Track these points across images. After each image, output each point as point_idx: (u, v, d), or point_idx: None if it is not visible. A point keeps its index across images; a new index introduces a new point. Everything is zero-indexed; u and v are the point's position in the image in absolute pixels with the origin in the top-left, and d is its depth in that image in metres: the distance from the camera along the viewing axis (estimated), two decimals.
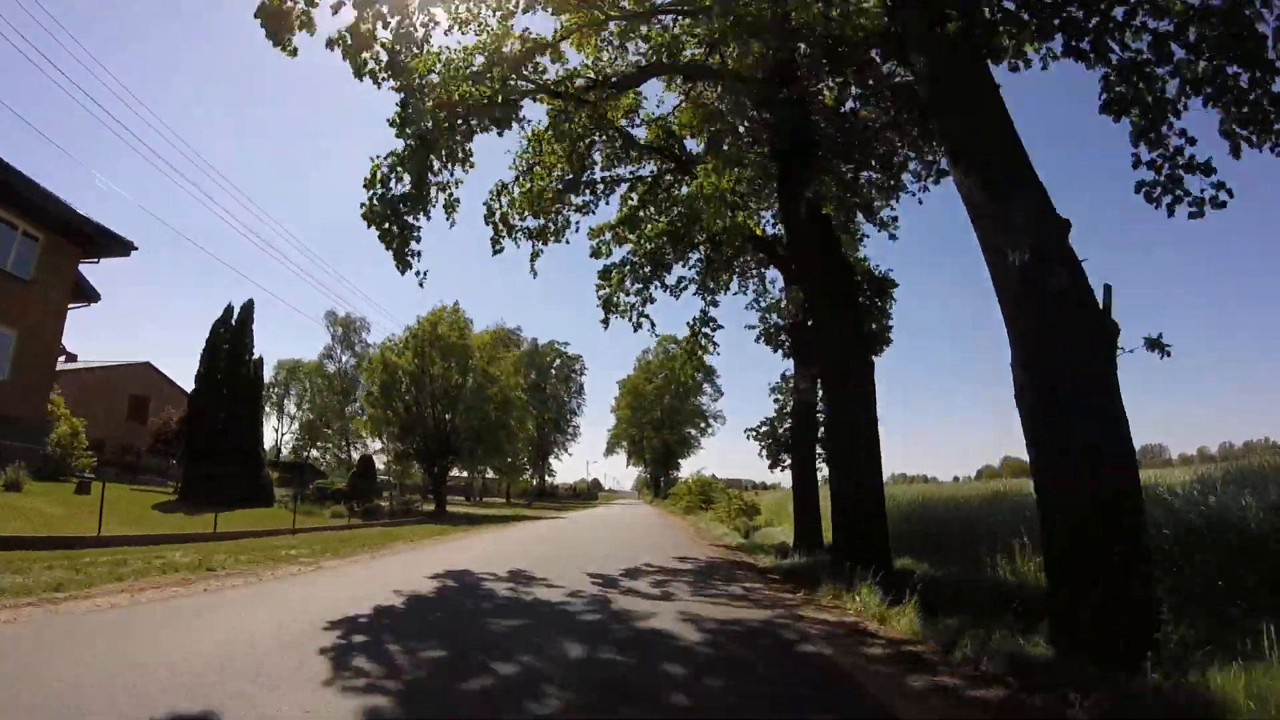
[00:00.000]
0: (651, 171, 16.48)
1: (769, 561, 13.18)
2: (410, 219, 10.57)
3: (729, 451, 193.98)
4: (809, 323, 15.19)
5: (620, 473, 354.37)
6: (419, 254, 10.63)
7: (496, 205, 13.70)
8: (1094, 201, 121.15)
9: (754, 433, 18.18)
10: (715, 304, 18.92)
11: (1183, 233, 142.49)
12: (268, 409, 71.11)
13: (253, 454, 28.92)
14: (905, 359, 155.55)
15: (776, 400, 18.20)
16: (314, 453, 70.50)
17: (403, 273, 10.53)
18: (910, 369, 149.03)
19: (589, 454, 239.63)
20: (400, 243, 10.43)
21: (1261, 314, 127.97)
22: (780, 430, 17.77)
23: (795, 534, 15.67)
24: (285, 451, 69.80)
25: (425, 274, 10.79)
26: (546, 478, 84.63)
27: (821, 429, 15.68)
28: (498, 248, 13.66)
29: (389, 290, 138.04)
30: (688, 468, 74.41)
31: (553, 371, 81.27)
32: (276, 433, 71.97)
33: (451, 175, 11.22)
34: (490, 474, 74.79)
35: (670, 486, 66.24)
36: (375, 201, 10.40)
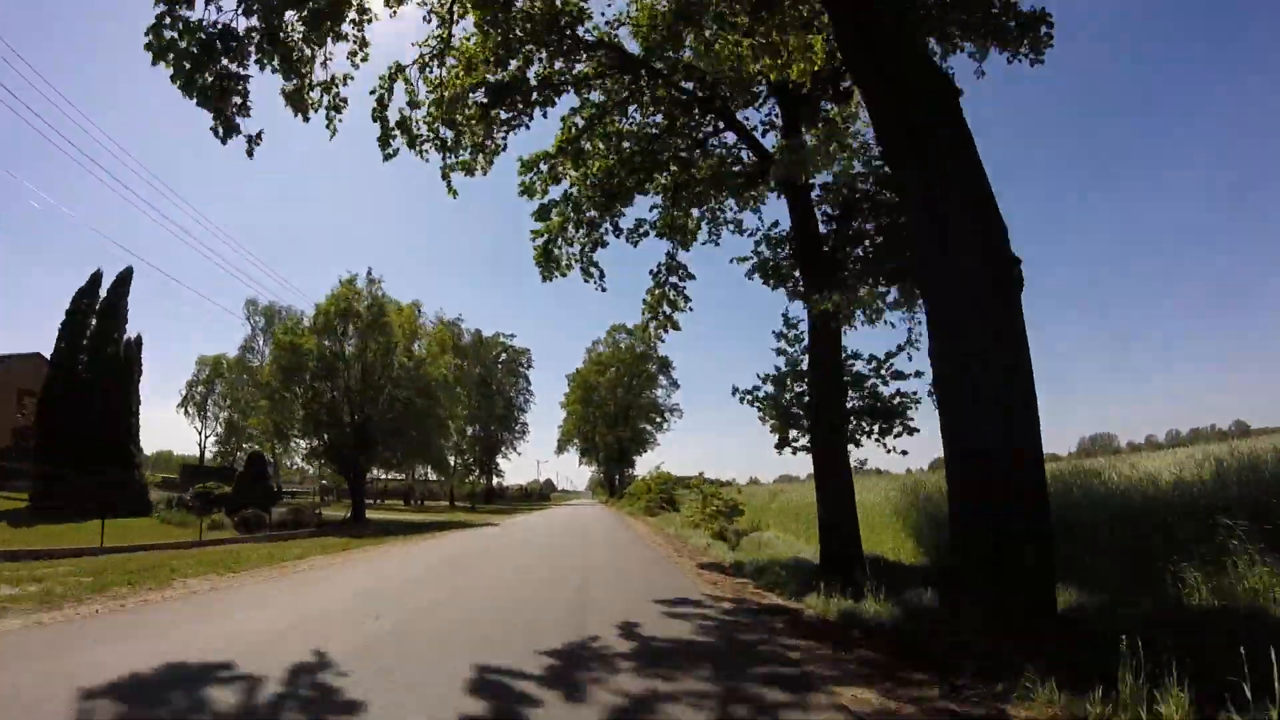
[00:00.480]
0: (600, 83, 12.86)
1: (816, 607, 7.88)
2: (234, 65, 6.77)
3: (689, 448, 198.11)
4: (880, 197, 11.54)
5: (574, 472, 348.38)
6: (248, 108, 6.82)
7: (387, 96, 9.82)
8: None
9: (749, 396, 13.02)
10: (686, 246, 15.54)
11: (1121, 231, 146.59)
12: (189, 410, 64.59)
13: (123, 454, 24.11)
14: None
15: (783, 354, 13.29)
16: (242, 456, 64.26)
17: (225, 141, 6.75)
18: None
19: (540, 453, 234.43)
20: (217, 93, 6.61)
21: (1199, 310, 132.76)
22: (787, 396, 12.73)
23: (823, 548, 11.57)
24: (210, 456, 63.55)
25: (259, 137, 6.97)
26: (494, 478, 79.94)
27: (838, 397, 11.78)
28: (388, 151, 9.82)
29: (322, 285, 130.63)
30: (643, 465, 71.07)
31: (499, 365, 76.72)
32: (199, 434, 65.39)
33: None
34: (433, 475, 70.49)
35: (626, 485, 62.69)
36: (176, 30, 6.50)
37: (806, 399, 12.59)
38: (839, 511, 11.30)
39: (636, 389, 70.16)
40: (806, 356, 12.62)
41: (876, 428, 12.24)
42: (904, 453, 11.96)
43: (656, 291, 15.59)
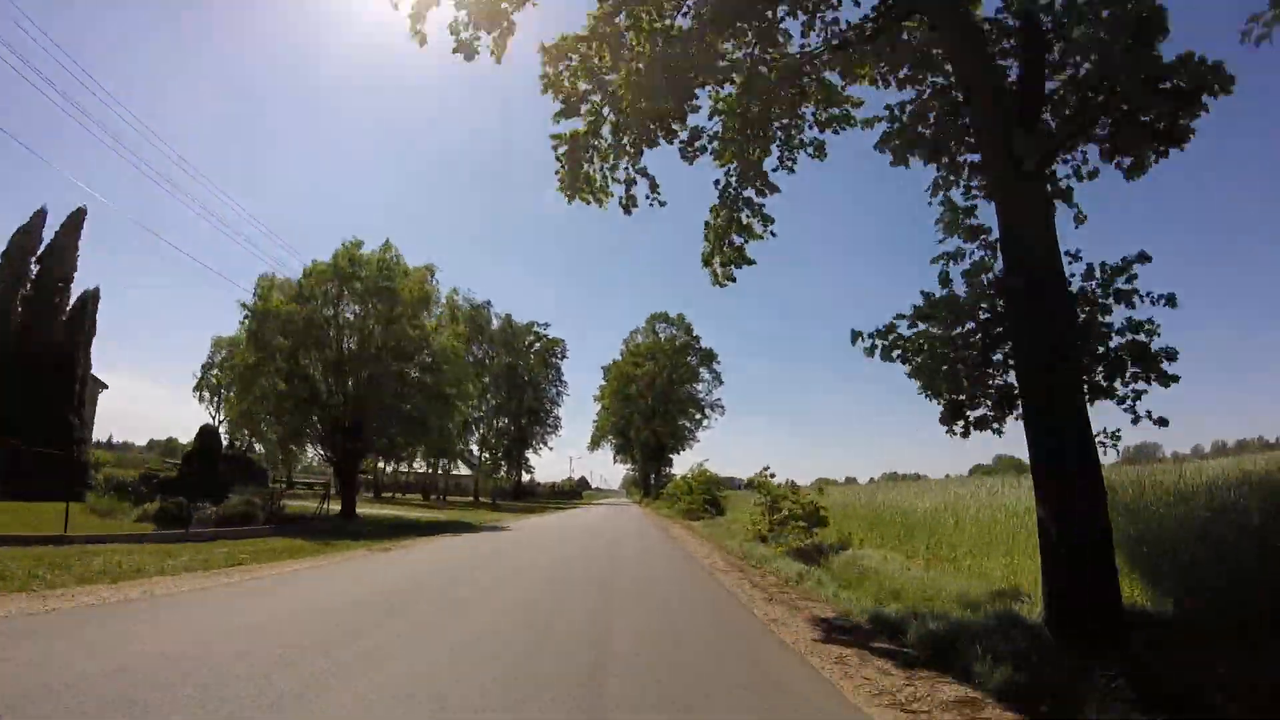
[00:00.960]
0: None
1: None
2: None
3: (732, 446, 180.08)
4: None
5: (608, 470, 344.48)
6: None
7: None
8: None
9: (883, 342, 7.83)
10: (761, 156, 10.35)
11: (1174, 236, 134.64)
12: (204, 393, 61.88)
13: (62, 425, 20.04)
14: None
15: (949, 268, 7.64)
16: (259, 445, 61.38)
17: None
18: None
19: (574, 450, 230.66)
20: None
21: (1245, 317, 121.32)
22: (964, 329, 7.48)
23: (1050, 588, 6.22)
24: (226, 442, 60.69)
25: None
26: (524, 474, 75.66)
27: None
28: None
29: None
30: (681, 464, 65.84)
31: (531, 355, 72.42)
32: (213, 420, 62.64)
33: None
34: (461, 468, 66.68)
35: (663, 485, 57.54)
36: None
37: (995, 333, 7.30)
38: (1084, 522, 5.94)
39: (677, 382, 64.91)
40: (999, 261, 7.31)
41: (1128, 376, 6.89)
42: (1162, 421, 5.53)
43: (723, 213, 10.51)
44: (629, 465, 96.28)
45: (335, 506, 23.58)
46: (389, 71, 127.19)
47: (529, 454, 75.13)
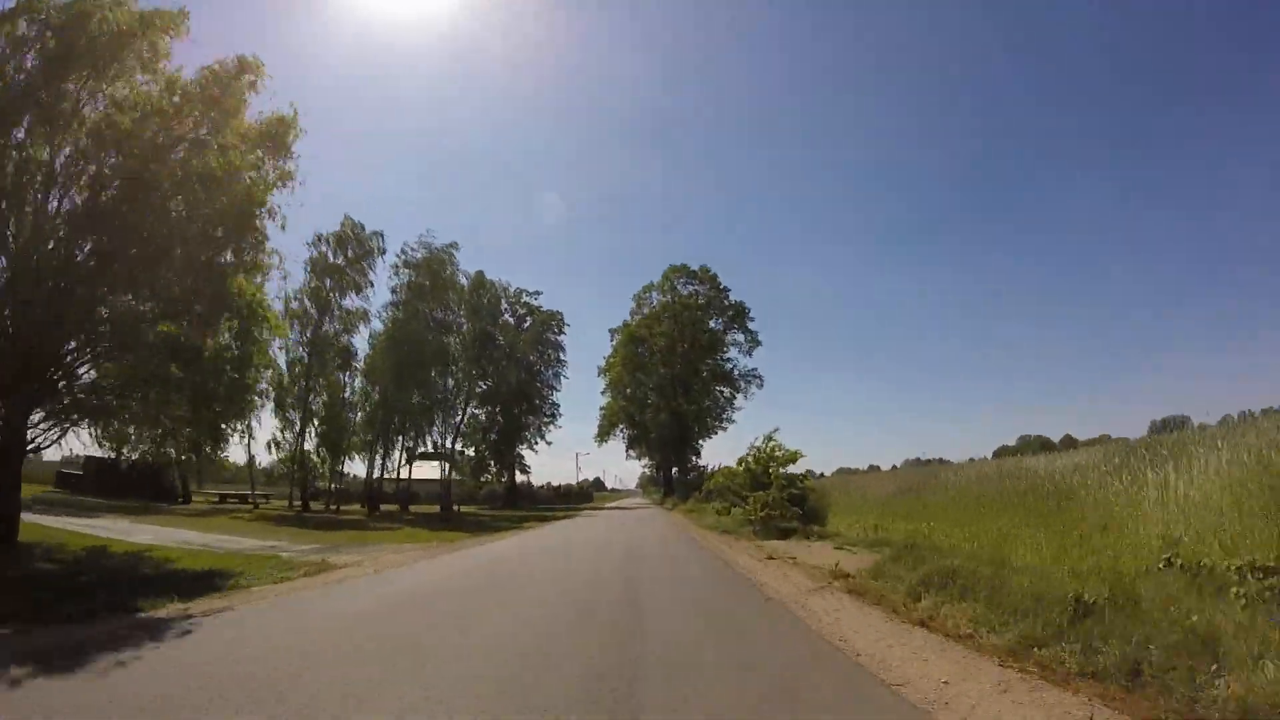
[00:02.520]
0: None
1: None
2: None
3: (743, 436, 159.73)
4: None
5: (623, 467, 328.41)
6: None
7: None
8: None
9: None
10: None
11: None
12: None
13: None
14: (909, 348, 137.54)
15: None
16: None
17: None
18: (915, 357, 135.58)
19: (581, 446, 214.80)
20: None
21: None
22: None
23: None
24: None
25: None
26: (518, 474, 61.85)
27: None
28: None
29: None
30: (711, 454, 51.93)
31: (523, 330, 58.64)
32: None
33: None
34: (429, 469, 53.03)
35: (692, 480, 43.41)
36: None
37: None
38: None
39: (702, 345, 50.86)
40: None
41: None
42: None
43: None
44: (644, 462, 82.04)
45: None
46: None
47: (523, 450, 61.61)
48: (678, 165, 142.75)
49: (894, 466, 57.25)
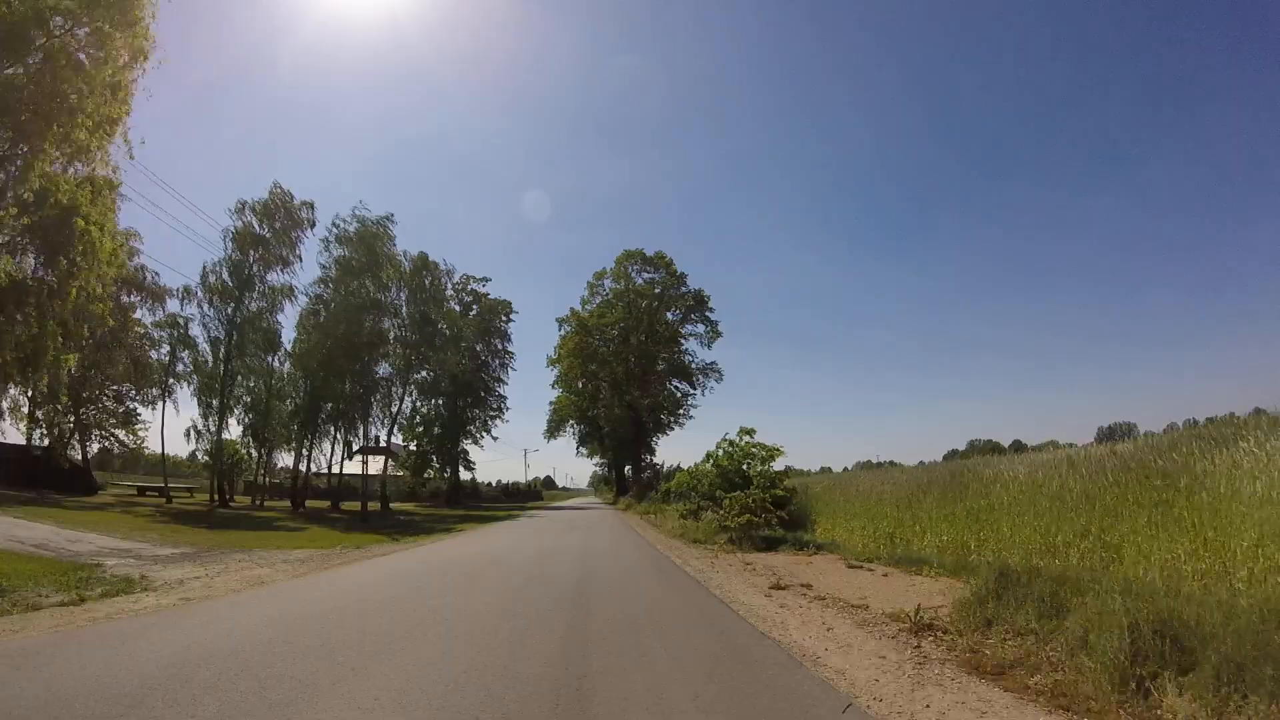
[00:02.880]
0: None
1: None
2: None
3: (693, 438, 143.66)
4: None
5: (575, 466, 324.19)
6: None
7: None
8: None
9: None
10: None
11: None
12: None
13: None
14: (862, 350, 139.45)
15: None
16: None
17: None
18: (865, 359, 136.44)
19: (528, 442, 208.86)
20: None
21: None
22: None
23: None
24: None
25: None
26: (464, 470, 58.41)
27: None
28: None
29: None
30: (668, 452, 49.74)
31: (470, 316, 55.33)
32: None
33: None
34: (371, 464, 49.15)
35: (646, 479, 41.18)
36: None
37: None
38: None
39: (659, 337, 48.55)
40: None
41: None
42: None
43: None
44: (596, 460, 79.22)
45: None
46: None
47: (468, 445, 58.04)
48: (637, 160, 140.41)
49: (845, 468, 56.25)
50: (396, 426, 44.07)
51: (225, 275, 33.91)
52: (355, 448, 46.80)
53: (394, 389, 43.88)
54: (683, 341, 49.23)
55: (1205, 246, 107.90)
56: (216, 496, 33.23)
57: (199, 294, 34.15)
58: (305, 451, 38.65)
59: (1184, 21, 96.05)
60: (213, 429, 35.79)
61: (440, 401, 54.79)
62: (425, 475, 56.79)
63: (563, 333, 49.59)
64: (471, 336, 54.39)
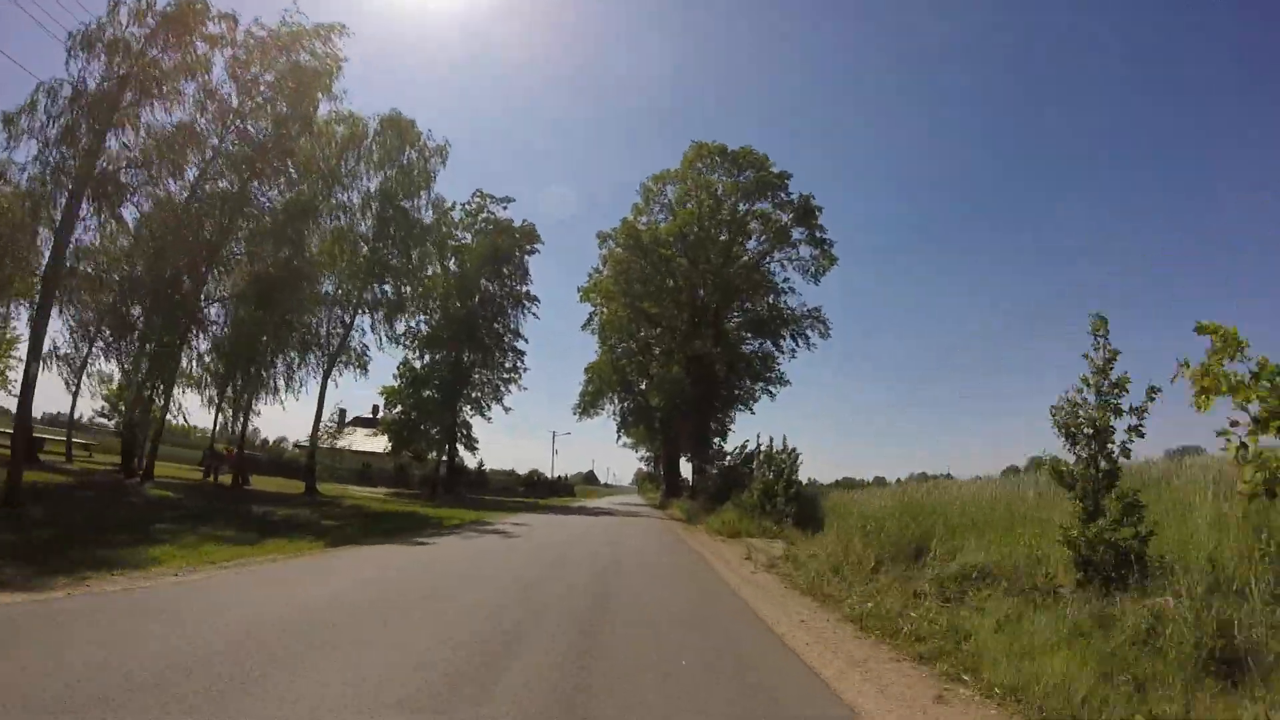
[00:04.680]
0: None
1: None
2: None
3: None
4: None
5: (618, 459, 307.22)
6: None
7: None
8: None
9: None
10: None
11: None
12: None
13: None
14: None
15: None
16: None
17: None
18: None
19: (550, 420, 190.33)
20: None
21: None
22: None
23: None
24: None
25: None
26: (460, 450, 43.59)
27: None
28: None
29: None
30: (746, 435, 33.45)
31: (483, 238, 40.48)
32: None
33: None
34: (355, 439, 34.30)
35: (734, 475, 24.62)
36: None
37: None
38: None
39: (749, 255, 32.26)
40: None
41: None
42: None
43: None
44: (642, 454, 62.99)
45: None
46: None
47: (471, 416, 42.78)
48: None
49: (898, 480, 39.29)
50: (347, 368, 29.24)
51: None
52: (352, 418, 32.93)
53: (336, 312, 29.08)
54: (776, 271, 32.77)
55: None
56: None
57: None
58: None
59: None
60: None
61: (432, 355, 39.81)
62: (406, 454, 41.94)
63: (604, 251, 33.66)
64: (475, 265, 39.24)
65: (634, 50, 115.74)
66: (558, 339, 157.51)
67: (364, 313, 29.93)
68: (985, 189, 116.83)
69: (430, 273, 36.74)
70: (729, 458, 23.84)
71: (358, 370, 31.40)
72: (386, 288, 30.00)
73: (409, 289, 31.43)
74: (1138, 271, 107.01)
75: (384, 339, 31.73)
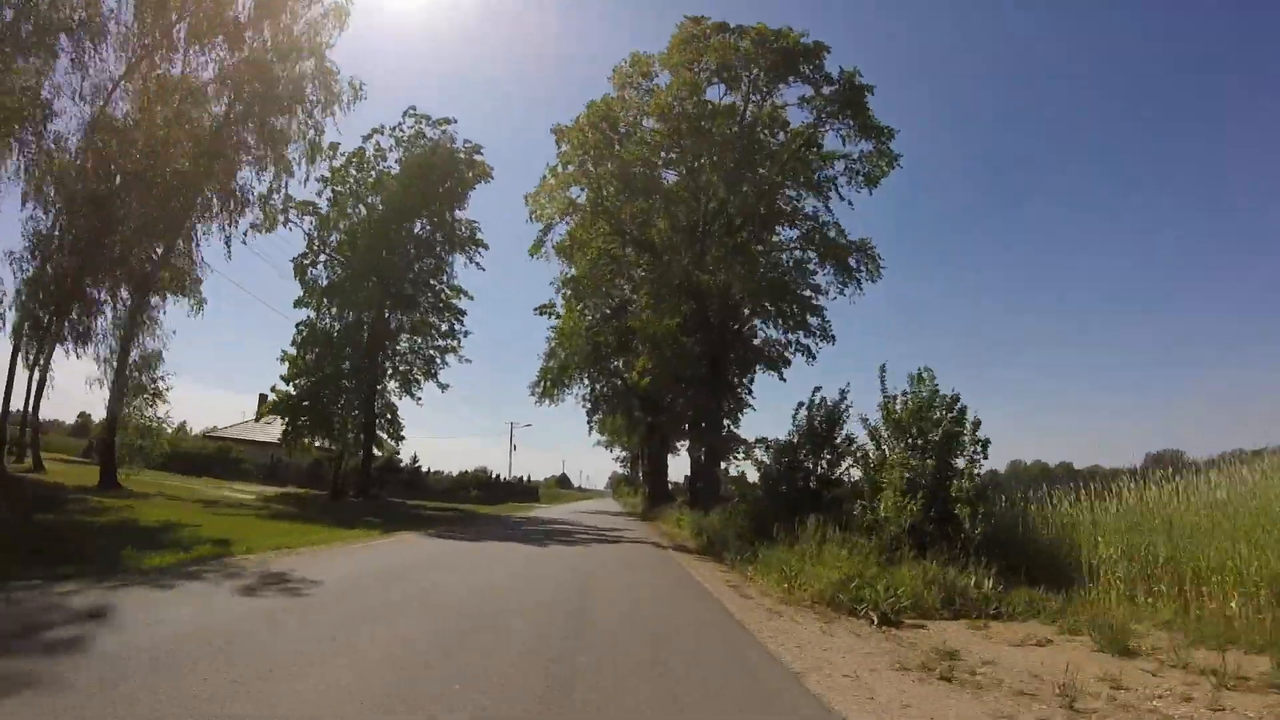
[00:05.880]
0: None
1: None
2: None
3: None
4: None
5: (591, 461, 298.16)
6: None
7: None
8: None
9: None
10: None
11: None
12: None
13: None
14: None
15: None
16: None
17: None
18: None
19: (564, 442, 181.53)
20: None
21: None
22: None
23: None
24: None
25: None
26: (383, 439, 33.01)
27: None
28: None
29: None
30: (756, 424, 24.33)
31: (397, 151, 30.17)
32: None
33: None
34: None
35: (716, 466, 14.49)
36: None
37: None
38: None
39: (775, 158, 22.19)
40: None
41: None
42: None
43: None
44: (618, 451, 52.49)
45: None
46: None
47: (395, 395, 32.25)
48: None
49: None
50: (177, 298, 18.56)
51: None
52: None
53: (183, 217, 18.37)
54: (819, 169, 22.55)
55: None
56: None
57: None
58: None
59: None
60: None
61: (342, 313, 29.49)
62: (309, 441, 31.07)
63: (563, 150, 23.08)
64: (404, 185, 28.85)
65: None
66: (537, 325, 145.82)
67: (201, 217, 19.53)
68: None
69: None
70: (761, 446, 13.50)
71: (192, 304, 21.66)
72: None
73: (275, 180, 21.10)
74: None
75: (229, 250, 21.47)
